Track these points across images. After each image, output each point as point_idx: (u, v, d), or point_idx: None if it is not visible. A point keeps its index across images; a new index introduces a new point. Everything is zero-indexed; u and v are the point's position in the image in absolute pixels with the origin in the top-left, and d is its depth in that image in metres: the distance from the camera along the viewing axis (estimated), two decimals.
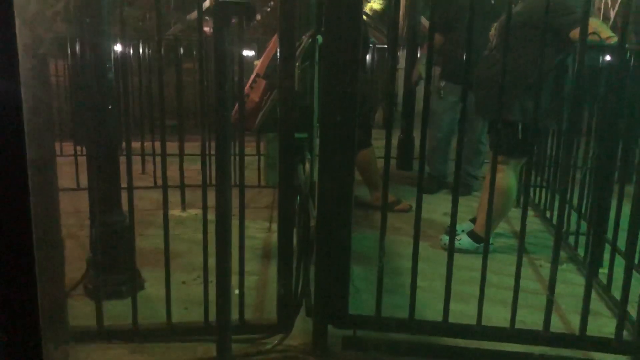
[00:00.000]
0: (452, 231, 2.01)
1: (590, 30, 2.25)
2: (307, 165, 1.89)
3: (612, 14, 14.19)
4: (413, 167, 4.74)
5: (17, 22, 0.58)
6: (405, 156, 4.77)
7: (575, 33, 2.41)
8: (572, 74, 2.58)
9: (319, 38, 3.26)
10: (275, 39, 2.45)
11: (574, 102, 2.26)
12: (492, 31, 2.79)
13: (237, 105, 2.09)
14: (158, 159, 4.02)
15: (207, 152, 2.23)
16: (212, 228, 1.87)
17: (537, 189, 3.78)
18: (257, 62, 2.66)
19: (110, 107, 2.20)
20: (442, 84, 3.89)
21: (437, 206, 3.68)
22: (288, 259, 1.71)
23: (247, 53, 7.71)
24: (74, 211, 3.33)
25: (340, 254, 1.74)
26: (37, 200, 0.70)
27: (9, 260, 0.67)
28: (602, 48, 2.35)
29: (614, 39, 2.22)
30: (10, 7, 0.57)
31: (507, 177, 2.75)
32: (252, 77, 2.46)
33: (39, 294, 0.64)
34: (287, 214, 1.73)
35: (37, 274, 0.63)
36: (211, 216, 1.92)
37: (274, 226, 3.31)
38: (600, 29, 2.36)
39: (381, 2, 15.66)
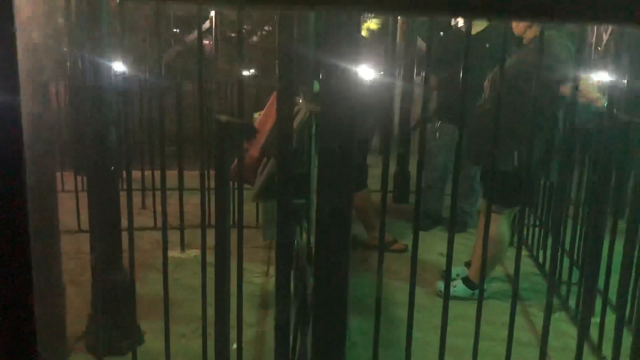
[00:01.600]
0: (447, 283, 2.05)
1: (580, 89, 2.32)
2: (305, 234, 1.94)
3: (605, 37, 14.35)
4: (409, 200, 4.80)
5: (19, 47, 0.60)
6: (402, 189, 4.82)
7: (564, 89, 2.48)
8: (562, 127, 2.65)
9: (315, 84, 3.34)
10: (273, 98, 2.52)
11: (565, 154, 2.34)
12: (486, 82, 2.86)
13: (236, 160, 2.15)
14: (157, 191, 4.13)
15: (206, 188, 2.30)
16: (210, 271, 1.93)
17: (530, 227, 3.84)
18: (257, 115, 2.73)
19: (110, 135, 2.24)
20: (437, 123, 3.96)
21: (432, 245, 3.73)
22: (285, 334, 1.76)
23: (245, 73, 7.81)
24: (74, 252, 3.38)
25: (337, 322, 1.79)
26: (38, 245, 0.72)
27: (8, 315, 0.66)
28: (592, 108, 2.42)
29: (602, 101, 2.29)
30: (13, 37, 0.60)
31: (500, 225, 2.81)
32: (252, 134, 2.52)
33: (40, 348, 0.65)
34: (285, 293, 1.78)
35: (38, 327, 0.63)
36: (210, 258, 1.98)
37: (272, 269, 3.37)
38: (589, 89, 2.44)
39: (378, 22, 15.86)
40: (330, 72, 1.44)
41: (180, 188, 3.44)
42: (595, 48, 14.51)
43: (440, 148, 3.96)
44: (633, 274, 2.47)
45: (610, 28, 13.11)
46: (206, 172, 2.43)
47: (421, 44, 4.71)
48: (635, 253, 2.48)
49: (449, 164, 3.95)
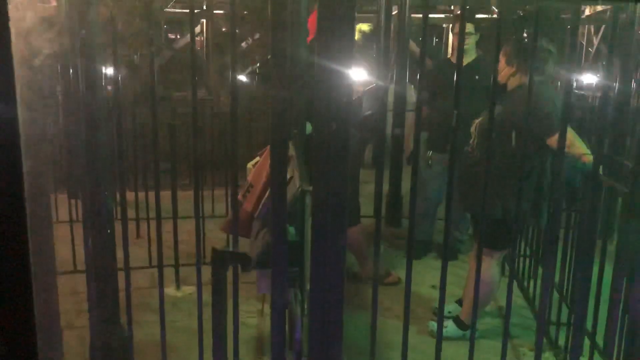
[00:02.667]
0: (439, 327, 2.10)
1: (567, 142, 2.38)
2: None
3: (596, 41, 14.46)
4: (402, 224, 4.86)
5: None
6: (394, 212, 4.88)
7: (552, 140, 2.53)
8: (550, 175, 2.71)
9: (309, 126, 3.37)
10: (267, 154, 2.56)
11: (554, 202, 2.39)
12: (473, 128, 2.91)
13: (230, 214, 2.19)
14: (152, 217, 4.16)
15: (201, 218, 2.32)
16: (206, 312, 1.97)
17: (520, 257, 3.90)
18: (250, 166, 2.76)
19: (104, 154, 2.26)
20: (429, 153, 4.01)
21: (424, 276, 3.78)
22: None
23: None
24: (70, 293, 3.40)
25: None
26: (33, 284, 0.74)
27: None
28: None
29: (589, 158, 2.34)
30: (9, 50, 0.63)
31: (491, 268, 2.86)
32: (246, 186, 2.56)
33: None
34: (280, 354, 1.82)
35: None
36: (206, 297, 2.02)
37: (267, 307, 3.41)
38: (577, 143, 2.49)
39: (369, 25, 15.86)
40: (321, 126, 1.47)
41: (174, 220, 3.49)
42: (587, 50, 14.56)
43: (432, 177, 4.01)
44: (619, 316, 2.54)
45: (601, 31, 13.09)
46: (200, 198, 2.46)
47: (413, 45, 4.73)
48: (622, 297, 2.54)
49: (441, 193, 4.00)
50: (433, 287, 3.61)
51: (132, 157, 4.89)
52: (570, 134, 2.45)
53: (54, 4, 2.66)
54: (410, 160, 4.24)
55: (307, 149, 2.99)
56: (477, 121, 2.90)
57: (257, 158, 2.79)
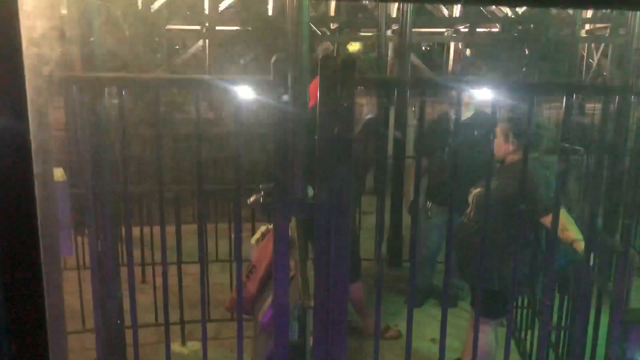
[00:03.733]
0: None
1: (560, 226, 2.46)
2: None
3: (596, 57, 14.52)
4: (403, 264, 4.94)
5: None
6: (395, 253, 4.96)
7: (545, 220, 2.61)
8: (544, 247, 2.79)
9: (309, 190, 3.43)
10: (269, 238, 2.64)
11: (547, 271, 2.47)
12: (470, 197, 2.99)
13: (234, 292, 2.28)
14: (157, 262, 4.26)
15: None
16: None
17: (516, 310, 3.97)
18: (253, 242, 2.85)
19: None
20: (429, 204, 4.09)
21: (424, 327, 3.85)
22: None
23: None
24: (79, 350, 3.50)
25: None
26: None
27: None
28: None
29: (581, 245, 2.42)
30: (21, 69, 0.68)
31: (488, 335, 2.95)
32: (250, 267, 2.65)
33: None
34: None
35: None
36: (211, 353, 2.08)
37: None
38: (570, 227, 2.57)
39: (358, 44, 15.94)
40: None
41: (179, 271, 3.60)
42: (587, 61, 14.48)
43: (432, 228, 4.09)
44: None
45: (601, 48, 13.10)
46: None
47: (415, 61, 4.84)
48: None
49: (441, 242, 4.08)
50: (433, 340, 3.69)
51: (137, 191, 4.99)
52: (563, 218, 2.53)
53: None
54: (411, 210, 4.32)
55: (309, 224, 3.07)
56: (474, 191, 2.98)
57: (261, 231, 2.87)
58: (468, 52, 14.13)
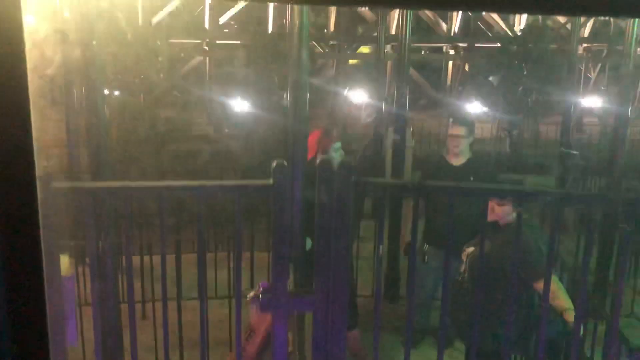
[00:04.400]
0: None
1: (551, 294, 2.54)
2: None
3: (594, 75, 14.63)
4: (400, 299, 5.01)
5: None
6: (392, 289, 5.02)
7: (538, 285, 2.68)
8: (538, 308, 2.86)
9: (308, 242, 3.50)
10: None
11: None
12: (464, 255, 3.06)
13: (233, 352, 2.35)
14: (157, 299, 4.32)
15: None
16: None
17: None
18: (249, 299, 2.91)
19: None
20: (425, 247, 4.15)
21: None
22: None
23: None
24: None
25: None
26: None
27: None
28: None
29: (571, 316, 2.49)
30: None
31: None
32: (248, 331, 2.71)
33: None
34: None
35: None
36: None
37: None
38: (560, 295, 2.63)
39: (369, 47, 16.05)
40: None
41: (179, 315, 3.66)
42: (586, 75, 14.62)
43: (428, 271, 4.15)
44: None
45: (598, 67, 13.18)
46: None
47: (415, 75, 4.93)
48: None
49: (437, 284, 4.14)
50: None
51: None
52: (555, 285, 2.60)
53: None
54: (407, 252, 4.39)
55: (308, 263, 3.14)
56: (467, 250, 3.04)
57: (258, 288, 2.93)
58: (467, 67, 14.26)
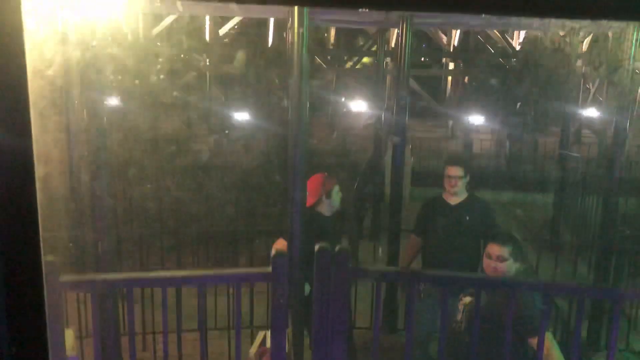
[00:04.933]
0: None
1: (545, 350, 2.59)
2: None
3: (593, 89, 14.68)
4: (398, 329, 5.05)
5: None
6: (390, 318, 5.06)
7: (532, 342, 2.74)
8: None
9: (306, 287, 3.55)
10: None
11: None
12: (460, 305, 3.11)
13: None
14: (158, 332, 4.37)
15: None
16: None
17: None
18: (251, 355, 2.97)
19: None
20: (422, 286, 4.20)
21: None
22: None
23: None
24: None
25: None
26: None
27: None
28: None
29: None
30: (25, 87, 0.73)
31: None
32: None
33: None
34: None
35: None
36: None
37: None
38: (553, 352, 2.68)
39: (369, 58, 16.15)
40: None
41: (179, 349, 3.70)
42: (585, 86, 14.69)
43: (425, 308, 4.20)
44: None
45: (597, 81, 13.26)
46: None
47: (415, 86, 4.96)
48: None
49: (434, 321, 4.18)
50: None
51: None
52: (548, 341, 2.65)
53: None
54: (405, 289, 4.44)
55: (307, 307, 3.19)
56: (464, 299, 3.09)
57: (259, 340, 2.99)
58: (466, 79, 14.33)
